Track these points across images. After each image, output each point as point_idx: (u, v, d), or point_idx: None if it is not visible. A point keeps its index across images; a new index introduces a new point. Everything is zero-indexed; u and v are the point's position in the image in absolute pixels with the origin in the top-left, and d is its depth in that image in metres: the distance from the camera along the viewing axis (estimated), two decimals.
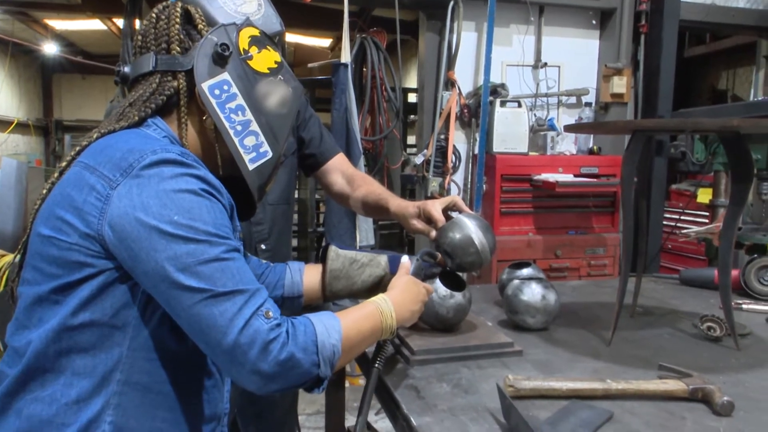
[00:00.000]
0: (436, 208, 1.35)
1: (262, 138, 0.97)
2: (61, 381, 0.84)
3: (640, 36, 3.50)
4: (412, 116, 4.38)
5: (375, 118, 3.57)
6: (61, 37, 8.42)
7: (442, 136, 3.28)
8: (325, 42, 6.65)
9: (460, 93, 3.30)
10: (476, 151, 3.28)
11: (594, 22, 3.60)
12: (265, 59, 1.00)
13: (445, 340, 1.31)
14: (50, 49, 8.42)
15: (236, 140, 0.94)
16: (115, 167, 0.83)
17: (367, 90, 3.47)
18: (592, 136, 3.46)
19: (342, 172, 1.69)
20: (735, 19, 3.81)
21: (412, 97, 4.29)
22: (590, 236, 3.24)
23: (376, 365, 1.09)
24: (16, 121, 9.19)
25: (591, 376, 1.14)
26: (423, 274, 1.22)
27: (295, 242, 5.49)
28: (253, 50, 0.98)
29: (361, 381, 3.83)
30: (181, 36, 0.95)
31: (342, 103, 3.15)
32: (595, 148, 3.44)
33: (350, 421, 2.34)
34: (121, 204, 0.80)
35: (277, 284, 1.21)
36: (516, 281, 1.49)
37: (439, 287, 1.31)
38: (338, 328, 0.90)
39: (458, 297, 1.32)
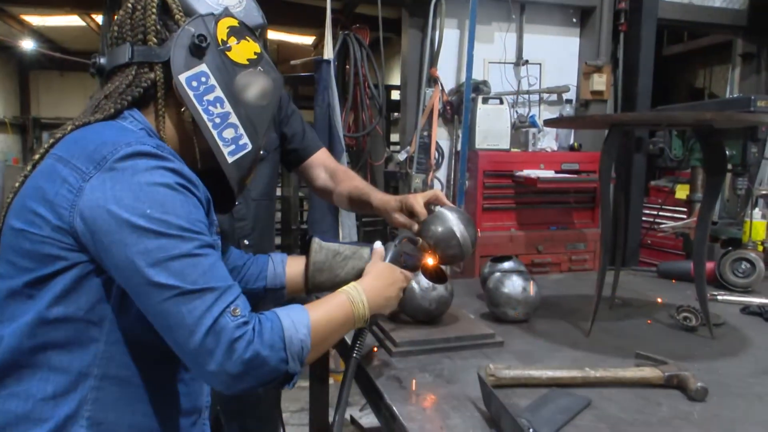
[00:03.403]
0: (417, 201, 1.36)
1: (241, 130, 0.96)
2: (37, 376, 0.83)
3: (619, 34, 3.55)
4: (395, 113, 4.39)
5: (358, 114, 3.58)
6: (38, 33, 8.26)
7: (425, 133, 3.29)
8: (308, 39, 6.62)
9: (442, 90, 3.32)
10: (459, 148, 3.30)
11: (574, 20, 3.64)
12: (244, 50, 0.98)
13: (428, 331, 1.32)
14: (27, 45, 8.27)
15: (215, 133, 0.93)
16: (88, 159, 0.81)
17: (350, 87, 3.47)
18: (572, 132, 3.50)
19: (325, 167, 1.69)
20: (712, 18, 3.88)
21: (395, 94, 4.31)
22: (571, 231, 3.28)
23: (354, 354, 1.09)
24: None
25: (570, 365, 1.16)
26: (404, 260, 1.21)
27: (278, 240, 5.48)
28: (232, 41, 0.96)
29: None
30: (158, 26, 0.93)
31: (325, 100, 3.15)
32: (576, 144, 3.49)
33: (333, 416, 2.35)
34: (94, 196, 0.79)
35: (259, 276, 1.21)
36: (497, 274, 1.51)
37: (422, 280, 1.33)
38: (306, 322, 0.89)
39: (440, 289, 1.34)
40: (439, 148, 3.36)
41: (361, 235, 3.75)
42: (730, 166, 2.09)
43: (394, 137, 4.53)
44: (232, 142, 0.95)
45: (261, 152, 1.55)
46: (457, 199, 3.26)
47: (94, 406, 0.84)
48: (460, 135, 3.27)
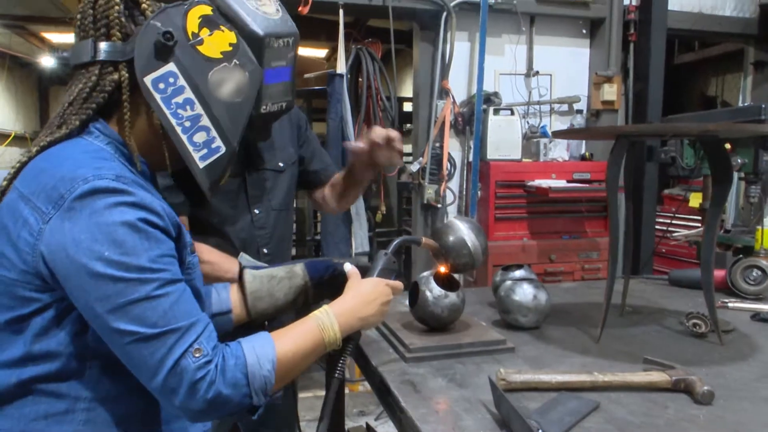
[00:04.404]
0: (364, 137, 1.50)
1: (213, 133, 0.90)
2: (29, 400, 0.83)
3: (629, 44, 3.58)
4: (408, 125, 4.45)
5: (371, 126, 3.63)
6: (58, 50, 8.49)
7: (438, 144, 3.34)
8: (321, 52, 6.72)
9: (454, 102, 3.37)
10: (471, 159, 3.34)
11: (584, 31, 3.68)
12: (217, 42, 0.90)
13: (440, 338, 1.36)
14: (47, 62, 8.48)
15: (184, 138, 0.88)
16: (47, 198, 0.79)
17: (362, 99, 3.53)
18: (584, 142, 3.53)
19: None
20: (722, 27, 3.89)
21: (407, 106, 4.36)
22: (583, 240, 3.30)
23: (336, 374, 1.09)
24: (13, 134, 9.22)
25: (580, 370, 1.19)
26: (394, 268, 1.19)
27: (293, 251, 5.54)
28: (204, 33, 0.89)
29: (361, 387, 3.87)
30: (122, 20, 0.87)
31: (338, 113, 3.22)
32: (587, 154, 3.51)
33: (349, 425, 2.38)
34: (53, 240, 0.78)
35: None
36: (508, 282, 1.54)
37: (434, 287, 1.37)
38: (271, 356, 0.87)
39: (452, 297, 1.37)
40: (451, 158, 3.40)
41: (374, 245, 3.80)
42: (742, 175, 2.11)
43: (407, 148, 4.58)
44: (203, 146, 0.90)
45: (280, 164, 1.62)
46: (469, 209, 3.30)
47: (87, 427, 0.85)
48: (472, 146, 3.31)
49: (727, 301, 1.78)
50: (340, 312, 1.02)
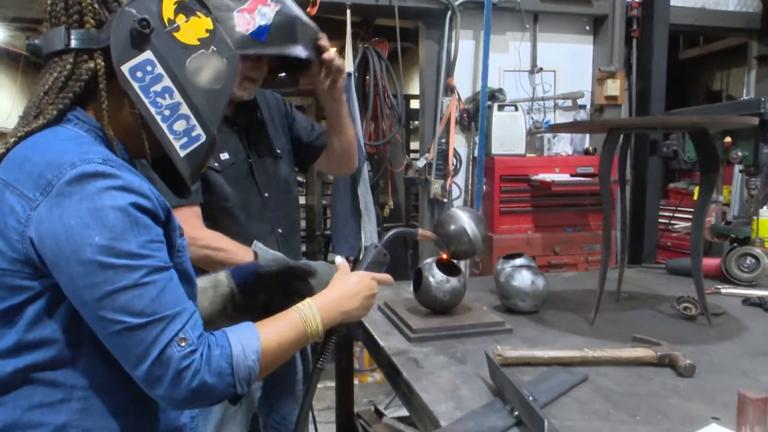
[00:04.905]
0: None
1: (193, 121, 0.89)
2: (24, 389, 0.83)
3: (632, 40, 3.64)
4: (414, 122, 4.53)
5: (378, 124, 3.72)
6: (29, 38, 8.61)
7: (443, 140, 3.42)
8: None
9: (459, 98, 3.45)
10: (476, 154, 3.42)
11: (587, 27, 3.73)
12: (194, 28, 0.89)
13: (442, 320, 1.45)
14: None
15: (164, 127, 0.87)
16: (34, 185, 0.78)
17: (370, 97, 3.62)
18: (587, 137, 3.59)
19: None
20: (725, 22, 3.93)
21: (414, 104, 4.45)
22: (587, 233, 3.36)
23: (318, 365, 1.14)
24: None
25: (571, 347, 1.27)
26: (385, 261, 1.23)
27: (303, 247, 5.65)
28: (180, 19, 0.88)
29: (370, 378, 3.96)
30: (95, 6, 0.85)
31: None
32: (590, 148, 3.57)
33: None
34: (42, 227, 0.77)
35: None
36: (508, 269, 1.63)
37: (437, 273, 1.45)
38: (256, 347, 0.87)
39: (454, 282, 1.46)
40: (456, 154, 3.48)
41: (382, 239, 3.88)
42: (742, 167, 2.18)
43: (414, 145, 4.66)
44: (183, 134, 0.89)
45: (278, 151, 1.69)
46: (475, 202, 3.37)
47: (83, 416, 0.85)
48: (477, 141, 3.39)
49: (720, 287, 1.85)
50: (323, 305, 1.02)
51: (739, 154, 2.09)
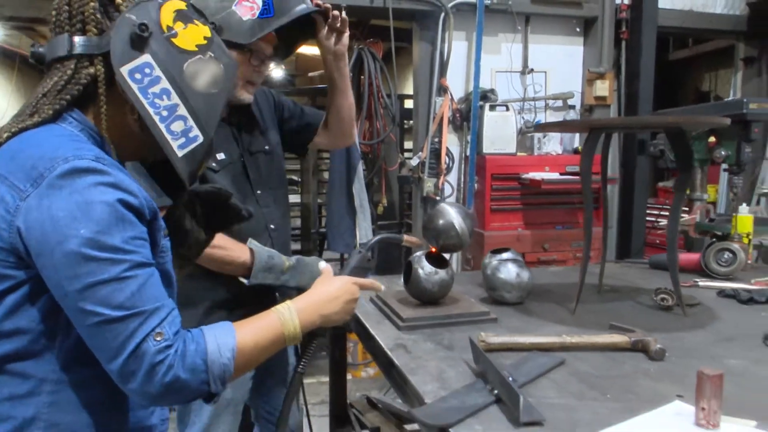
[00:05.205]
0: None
1: (191, 122, 0.92)
2: None
3: (621, 42, 3.72)
4: (408, 121, 4.60)
5: (373, 123, 3.79)
6: (33, 45, 8.62)
7: (436, 139, 3.50)
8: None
9: (452, 98, 3.52)
10: (468, 153, 3.50)
11: (578, 29, 3.82)
12: (192, 35, 0.93)
13: (431, 310, 1.52)
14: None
15: (162, 127, 0.89)
16: (25, 177, 0.80)
17: (364, 97, 3.69)
18: (576, 136, 3.67)
19: None
20: (712, 24, 4.02)
21: (408, 103, 4.52)
22: (576, 230, 3.44)
23: (299, 369, 1.18)
24: None
25: (551, 334, 1.35)
26: (369, 266, 1.27)
27: (298, 245, 5.71)
28: (179, 26, 0.91)
29: (363, 373, 4.03)
30: (97, 15, 0.88)
31: None
32: (579, 148, 3.65)
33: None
34: (30, 217, 0.79)
35: None
36: (495, 262, 1.70)
37: (426, 266, 1.53)
38: (232, 345, 0.89)
39: (442, 273, 1.53)
40: (449, 153, 3.55)
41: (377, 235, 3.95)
42: (726, 166, 2.26)
43: (407, 144, 4.74)
44: (181, 135, 0.91)
45: (266, 147, 1.73)
46: (467, 200, 3.45)
47: (51, 409, 0.85)
48: (469, 140, 3.46)
49: (698, 280, 1.94)
50: (302, 307, 1.04)
51: (723, 153, 2.17)
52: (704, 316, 1.57)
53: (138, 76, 0.87)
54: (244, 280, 1.52)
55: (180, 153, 0.91)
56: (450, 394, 1.05)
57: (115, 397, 0.88)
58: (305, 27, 1.62)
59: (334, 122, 1.81)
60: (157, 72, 0.89)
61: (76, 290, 0.78)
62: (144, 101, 0.87)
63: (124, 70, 0.86)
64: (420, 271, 1.53)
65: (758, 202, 3.88)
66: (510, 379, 1.06)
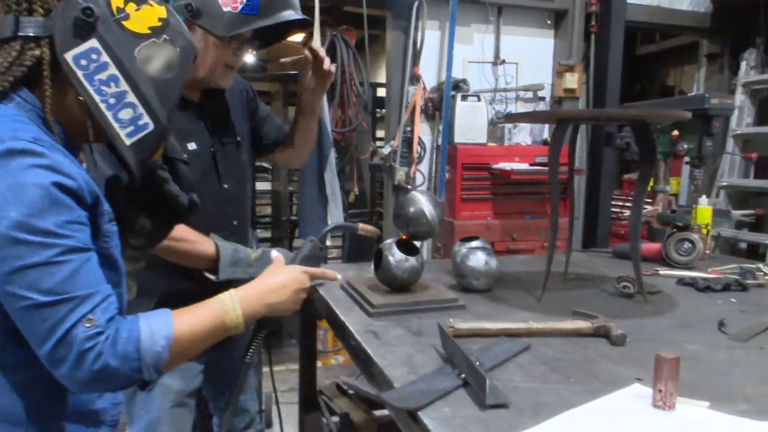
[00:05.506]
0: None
1: (140, 109, 0.88)
2: None
3: (590, 35, 3.79)
4: (380, 110, 4.60)
5: (345, 111, 3.78)
6: None
7: (408, 128, 3.51)
8: (297, 37, 6.82)
9: (424, 88, 3.53)
10: (439, 142, 3.52)
11: (549, 22, 3.87)
12: (145, 17, 0.88)
13: (401, 297, 1.54)
14: None
15: (108, 115, 0.86)
16: None
17: (337, 85, 3.67)
18: (545, 128, 3.73)
19: None
20: (678, 20, 4.12)
21: (381, 92, 4.51)
22: (544, 220, 3.51)
23: (246, 359, 1.17)
24: None
25: (517, 320, 1.38)
26: (321, 255, 1.27)
27: (269, 233, 5.68)
28: (131, 7, 0.87)
29: (333, 360, 4.05)
30: None
31: None
32: (548, 139, 3.71)
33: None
34: None
35: None
36: (464, 250, 1.73)
37: (396, 253, 1.54)
38: (167, 333, 0.87)
39: (412, 261, 1.55)
40: (421, 142, 3.57)
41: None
42: (688, 159, 2.33)
43: (380, 132, 4.74)
44: (129, 123, 0.88)
45: (238, 138, 1.72)
46: (438, 189, 3.48)
47: None
48: (441, 130, 3.49)
49: (659, 269, 2.00)
50: (245, 297, 1.03)
51: (685, 146, 2.24)
52: (664, 303, 1.63)
53: (84, 62, 0.84)
54: (212, 277, 1.49)
55: (128, 141, 0.89)
56: (419, 378, 1.07)
57: (53, 381, 0.85)
58: (287, 30, 1.61)
59: (291, 150, 1.85)
60: (105, 58, 0.85)
61: (4, 273, 0.77)
62: (90, 88, 0.85)
63: (69, 55, 0.84)
64: (390, 258, 1.54)
65: (717, 195, 4.01)
66: (477, 363, 1.08)
